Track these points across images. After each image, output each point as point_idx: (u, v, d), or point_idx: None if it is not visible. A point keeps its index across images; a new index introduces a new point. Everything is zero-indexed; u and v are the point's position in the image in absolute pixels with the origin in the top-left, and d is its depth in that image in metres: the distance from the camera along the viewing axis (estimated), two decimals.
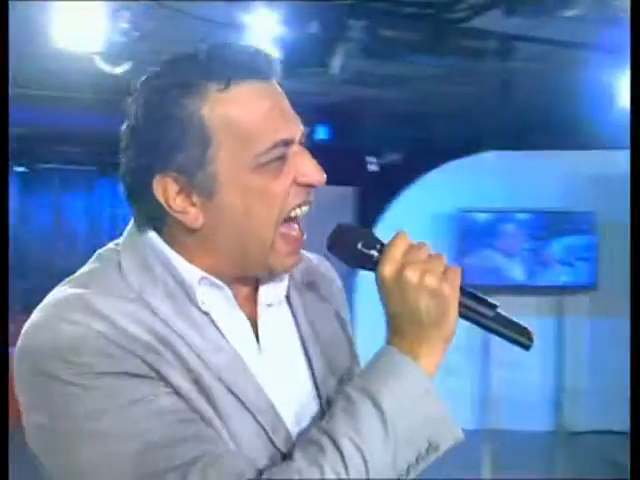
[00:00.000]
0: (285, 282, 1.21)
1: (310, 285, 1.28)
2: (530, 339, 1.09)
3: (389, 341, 1.08)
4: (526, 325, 1.10)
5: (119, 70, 4.61)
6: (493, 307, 1.09)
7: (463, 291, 1.09)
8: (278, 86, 1.10)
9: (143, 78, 1.08)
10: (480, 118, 7.40)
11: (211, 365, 1.05)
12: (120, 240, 1.14)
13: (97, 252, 1.14)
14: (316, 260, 1.36)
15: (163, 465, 0.94)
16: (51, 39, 4.29)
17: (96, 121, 7.65)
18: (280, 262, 1.12)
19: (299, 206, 1.11)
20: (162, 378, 1.00)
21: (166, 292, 1.07)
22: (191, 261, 1.10)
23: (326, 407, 1.15)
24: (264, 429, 1.07)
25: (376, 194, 8.38)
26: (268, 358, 1.15)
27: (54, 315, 1.01)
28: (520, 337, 1.09)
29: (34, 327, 1.01)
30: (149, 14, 4.43)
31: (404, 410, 1.01)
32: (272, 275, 1.15)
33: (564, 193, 6.49)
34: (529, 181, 6.45)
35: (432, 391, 1.04)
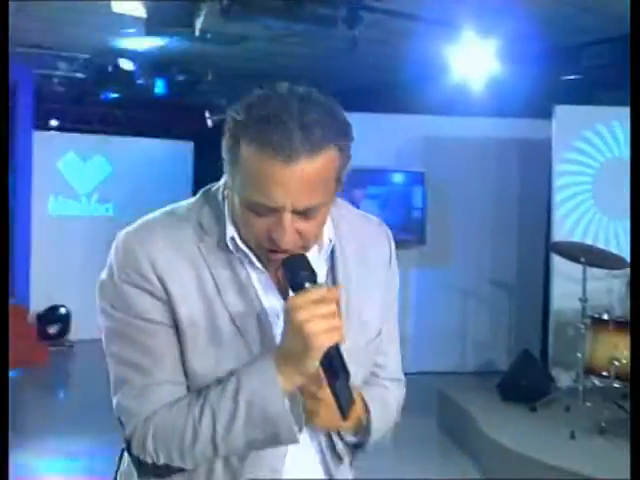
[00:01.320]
0: (324, 247, 1.43)
1: (355, 240, 1.49)
2: (344, 414, 1.29)
3: (275, 352, 1.30)
4: (348, 406, 1.29)
5: None
6: (346, 373, 1.27)
7: (336, 348, 1.25)
8: (306, 164, 1.23)
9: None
10: (322, 79, 7.71)
11: (234, 308, 1.35)
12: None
13: (201, 190, 1.46)
14: (370, 221, 1.57)
15: (136, 359, 1.34)
16: None
17: None
18: (274, 260, 1.33)
19: (274, 251, 1.31)
20: (171, 302, 1.33)
21: (219, 235, 1.37)
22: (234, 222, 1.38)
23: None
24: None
25: (215, 149, 8.52)
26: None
27: (133, 233, 1.38)
28: (342, 407, 1.28)
29: (123, 237, 1.38)
30: None
31: (253, 402, 1.28)
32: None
33: (398, 153, 6.94)
34: (368, 140, 6.85)
35: (278, 395, 1.28)
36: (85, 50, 7.19)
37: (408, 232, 6.81)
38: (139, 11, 4.52)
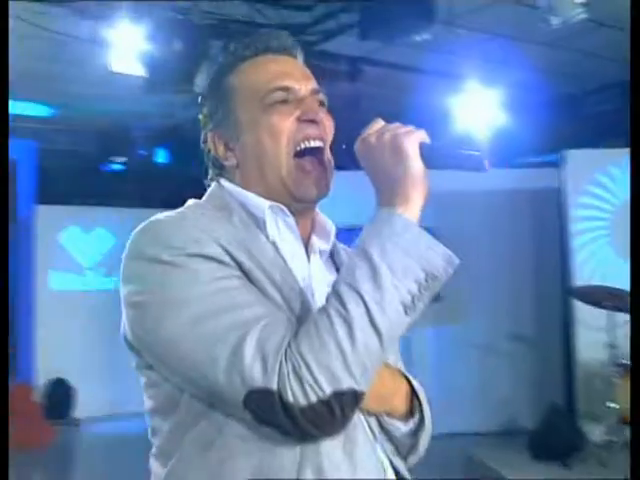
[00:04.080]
0: (330, 236, 1.41)
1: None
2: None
3: (379, 194, 1.25)
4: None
5: None
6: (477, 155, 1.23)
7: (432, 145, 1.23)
8: (297, 60, 1.41)
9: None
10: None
11: (274, 277, 1.24)
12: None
13: (188, 202, 1.37)
14: None
15: (229, 324, 1.13)
16: None
17: None
18: (301, 190, 1.32)
19: (307, 139, 1.32)
20: (237, 264, 1.20)
21: (241, 220, 1.30)
22: (256, 195, 1.34)
23: None
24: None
25: None
26: (315, 284, 1.33)
27: (153, 221, 1.25)
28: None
29: (138, 233, 1.24)
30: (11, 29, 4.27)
31: (387, 249, 1.15)
32: (302, 204, 1.34)
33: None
34: (365, 200, 6.73)
35: (411, 227, 1.18)
36: (84, 114, 7.12)
37: None
38: (139, 70, 4.44)
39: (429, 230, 1.20)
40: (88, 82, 5.15)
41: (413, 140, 1.21)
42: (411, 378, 1.41)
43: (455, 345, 6.80)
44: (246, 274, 1.20)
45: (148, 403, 1.26)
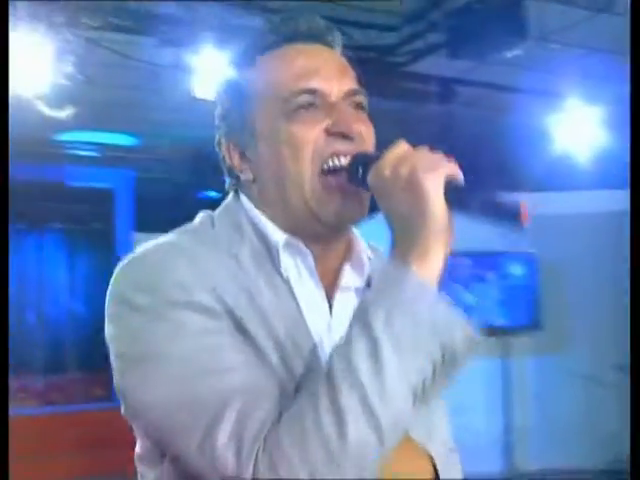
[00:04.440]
0: (365, 269, 1.18)
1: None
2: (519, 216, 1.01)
3: (391, 246, 1.04)
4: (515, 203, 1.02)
5: (63, 114, 4.49)
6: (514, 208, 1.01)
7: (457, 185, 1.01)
8: (333, 50, 1.19)
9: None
10: None
11: (277, 332, 1.05)
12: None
13: (200, 213, 1.23)
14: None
15: (207, 392, 0.97)
16: None
17: (32, 172, 7.45)
18: (327, 214, 1.11)
19: (336, 155, 1.10)
20: (229, 313, 1.02)
21: (252, 251, 1.11)
22: (274, 219, 1.14)
23: None
24: None
25: None
26: (335, 336, 1.08)
27: (142, 253, 1.09)
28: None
29: (121, 268, 1.08)
30: (94, 58, 4.33)
31: (394, 318, 0.93)
32: (331, 230, 1.14)
33: (503, 233, 6.57)
34: (468, 222, 6.52)
35: (427, 290, 0.97)
36: (174, 142, 7.20)
37: (522, 317, 6.39)
38: None
39: (531, 256, 1.01)
40: (170, 109, 5.18)
41: (438, 177, 0.99)
42: (437, 459, 1.14)
43: (556, 375, 6.50)
44: (241, 326, 1.02)
45: (137, 448, 1.12)
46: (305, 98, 1.11)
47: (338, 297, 1.15)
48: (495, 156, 7.64)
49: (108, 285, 1.09)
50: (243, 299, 1.04)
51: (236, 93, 1.17)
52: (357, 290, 1.17)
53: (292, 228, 1.13)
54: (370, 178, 1.05)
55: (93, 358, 8.31)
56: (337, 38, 1.20)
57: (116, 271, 1.09)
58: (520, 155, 7.06)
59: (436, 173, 0.99)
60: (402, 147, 1.05)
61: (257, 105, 1.15)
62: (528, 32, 4.31)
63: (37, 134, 5.95)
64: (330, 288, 1.15)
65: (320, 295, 1.13)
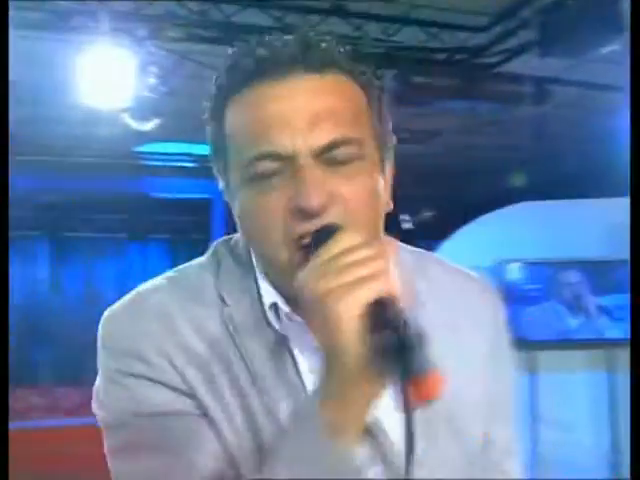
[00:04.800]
0: None
1: (444, 303, 1.04)
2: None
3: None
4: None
5: (147, 127, 4.53)
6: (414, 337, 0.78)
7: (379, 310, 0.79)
8: (323, 80, 0.92)
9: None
10: (513, 168, 7.25)
11: (267, 398, 0.94)
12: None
13: (214, 242, 1.06)
14: (469, 277, 1.12)
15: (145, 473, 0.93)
16: (79, 96, 4.23)
17: (123, 185, 7.63)
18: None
19: (306, 236, 0.89)
20: (194, 396, 0.93)
21: (252, 303, 0.97)
22: (266, 275, 0.98)
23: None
24: None
25: None
26: None
27: (125, 307, 0.99)
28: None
29: (103, 319, 1.00)
30: (176, 69, 4.36)
31: (294, 466, 0.83)
32: None
33: (604, 242, 6.27)
34: (567, 231, 6.25)
35: (327, 458, 0.82)
36: None
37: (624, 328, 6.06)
38: None
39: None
40: None
41: (357, 302, 0.79)
42: None
43: None
44: (203, 402, 0.93)
45: None
46: (265, 165, 0.89)
47: None
48: (596, 160, 7.31)
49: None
50: (217, 364, 0.94)
51: (215, 130, 0.97)
52: None
53: (282, 289, 0.96)
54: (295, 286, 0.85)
55: None
56: (335, 63, 0.94)
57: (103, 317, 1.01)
58: (623, 159, 6.72)
59: (358, 295, 0.79)
60: (337, 244, 0.83)
61: (230, 155, 0.95)
62: (625, 25, 4.06)
63: (127, 147, 6.07)
64: None
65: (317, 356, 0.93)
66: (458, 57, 4.94)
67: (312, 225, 0.88)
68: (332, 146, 0.89)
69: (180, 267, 1.05)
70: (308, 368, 0.96)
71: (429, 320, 0.91)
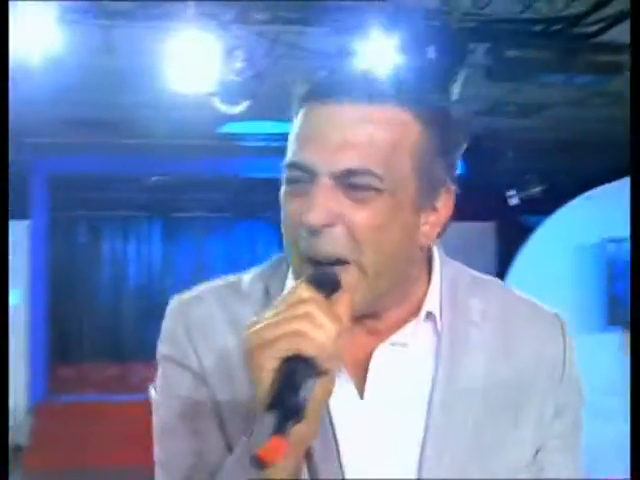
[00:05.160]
0: (421, 322, 1.01)
1: (499, 325, 1.04)
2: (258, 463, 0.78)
3: None
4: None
5: (237, 110, 4.59)
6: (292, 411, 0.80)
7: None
8: (356, 110, 0.96)
9: None
10: (623, 141, 6.93)
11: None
12: None
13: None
14: (535, 307, 1.10)
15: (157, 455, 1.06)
16: (168, 83, 4.34)
17: (226, 165, 7.78)
18: None
19: (314, 255, 0.94)
20: (212, 386, 1.02)
21: None
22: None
23: None
24: None
25: (517, 228, 8.03)
26: (371, 409, 1.00)
27: (181, 298, 1.10)
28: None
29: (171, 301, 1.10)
30: (263, 52, 4.39)
31: None
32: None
33: None
34: None
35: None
36: None
37: None
38: None
39: None
40: None
41: (273, 356, 0.83)
42: None
43: None
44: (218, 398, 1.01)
45: None
46: (292, 172, 0.97)
47: (379, 357, 1.01)
48: None
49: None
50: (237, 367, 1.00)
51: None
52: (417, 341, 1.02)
53: None
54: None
55: None
56: (394, 89, 0.98)
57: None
58: None
59: (271, 350, 0.83)
60: (284, 300, 0.88)
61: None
62: None
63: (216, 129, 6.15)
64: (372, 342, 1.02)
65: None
66: (554, 28, 4.74)
67: (309, 241, 0.93)
68: (351, 173, 0.93)
69: (240, 273, 1.11)
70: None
71: (481, 341, 1.00)
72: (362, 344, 1.01)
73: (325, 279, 0.91)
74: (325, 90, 0.98)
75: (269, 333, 0.83)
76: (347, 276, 0.93)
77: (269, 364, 0.82)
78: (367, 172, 0.93)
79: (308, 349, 0.82)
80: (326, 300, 0.87)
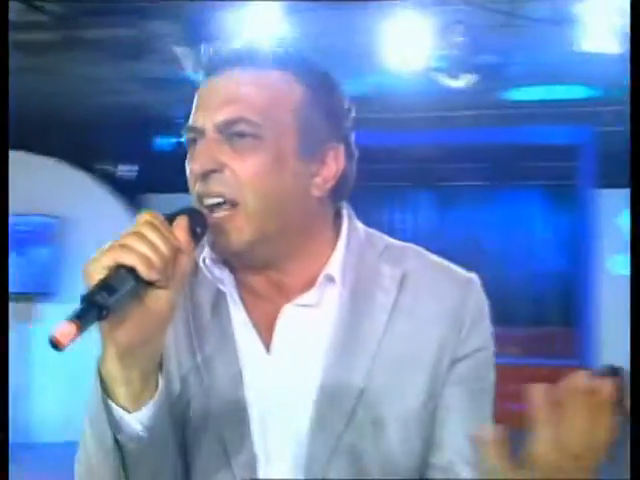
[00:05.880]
0: (328, 285, 1.11)
1: (412, 290, 1.12)
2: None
3: None
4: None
5: (460, 83, 4.68)
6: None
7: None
8: (242, 75, 1.08)
9: None
10: None
11: (208, 351, 1.11)
12: None
13: None
14: (447, 271, 1.16)
15: None
16: (384, 60, 4.54)
17: (489, 135, 7.74)
18: (216, 248, 1.08)
19: (205, 196, 1.05)
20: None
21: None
22: None
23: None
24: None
25: None
26: (277, 363, 1.10)
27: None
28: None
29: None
30: (480, 22, 4.43)
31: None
32: (240, 258, 1.10)
33: None
34: None
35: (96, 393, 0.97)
36: None
37: None
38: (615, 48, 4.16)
39: None
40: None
41: (101, 264, 0.92)
42: None
43: None
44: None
45: None
46: (188, 134, 1.09)
47: (285, 318, 1.11)
48: None
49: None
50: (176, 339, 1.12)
51: None
52: (320, 303, 1.11)
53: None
54: None
55: (567, 314, 8.44)
56: (276, 57, 1.09)
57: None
58: None
59: (99, 261, 0.93)
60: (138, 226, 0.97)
61: None
62: None
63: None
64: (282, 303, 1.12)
65: (246, 324, 1.12)
66: None
67: (209, 185, 1.05)
68: (232, 122, 1.05)
69: None
70: (242, 320, 1.11)
71: (387, 303, 1.09)
72: (273, 303, 1.11)
73: (196, 217, 1.01)
74: (217, 63, 1.09)
75: (103, 249, 0.93)
76: (234, 216, 1.04)
77: (96, 274, 0.91)
78: (242, 119, 1.04)
79: (128, 260, 0.91)
80: (169, 226, 0.96)
